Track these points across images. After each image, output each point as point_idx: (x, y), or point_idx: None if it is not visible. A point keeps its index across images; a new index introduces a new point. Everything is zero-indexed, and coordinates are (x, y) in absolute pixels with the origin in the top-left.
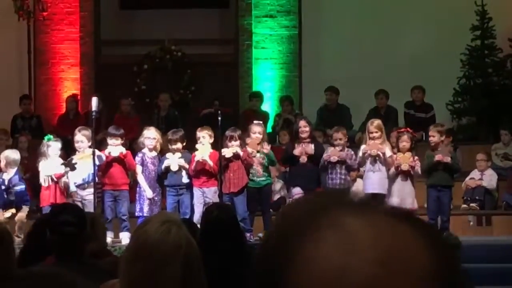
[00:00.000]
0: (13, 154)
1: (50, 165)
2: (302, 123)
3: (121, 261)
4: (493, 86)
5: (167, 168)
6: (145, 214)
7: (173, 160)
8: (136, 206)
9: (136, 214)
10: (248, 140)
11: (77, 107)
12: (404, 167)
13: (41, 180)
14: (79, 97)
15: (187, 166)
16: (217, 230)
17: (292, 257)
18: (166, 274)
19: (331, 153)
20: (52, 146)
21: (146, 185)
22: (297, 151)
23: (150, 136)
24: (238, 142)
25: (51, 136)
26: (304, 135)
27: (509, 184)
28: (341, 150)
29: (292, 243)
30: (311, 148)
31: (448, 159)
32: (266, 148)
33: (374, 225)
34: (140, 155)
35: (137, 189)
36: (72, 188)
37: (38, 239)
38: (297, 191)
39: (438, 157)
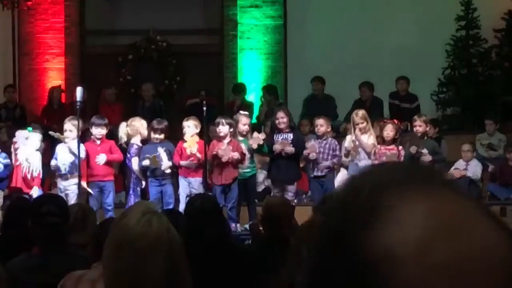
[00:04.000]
0: None
1: (26, 151)
2: (279, 114)
3: (103, 255)
4: (478, 77)
5: (146, 167)
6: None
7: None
8: (130, 197)
9: (129, 204)
10: (250, 141)
11: (61, 98)
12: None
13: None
14: (63, 87)
15: (170, 164)
16: (201, 218)
17: (382, 214)
18: (150, 266)
19: (309, 149)
20: (31, 137)
21: (142, 176)
22: (276, 147)
23: (146, 126)
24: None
25: (31, 128)
26: (281, 126)
27: (498, 174)
28: (324, 138)
29: (386, 201)
30: (289, 140)
31: (414, 149)
32: (259, 141)
33: (461, 207)
34: (136, 146)
35: (132, 179)
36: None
37: (16, 228)
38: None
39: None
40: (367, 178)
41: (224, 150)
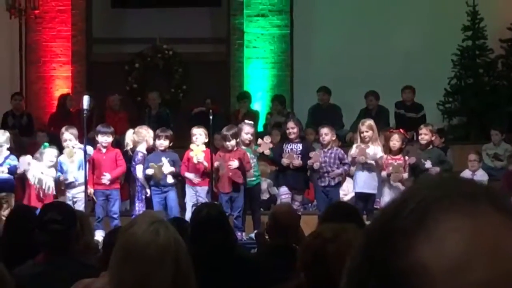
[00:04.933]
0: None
1: (40, 167)
2: (290, 124)
3: (110, 263)
4: (484, 87)
5: (150, 176)
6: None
7: (159, 170)
8: (137, 205)
9: (136, 212)
10: (260, 148)
11: (70, 106)
12: (394, 178)
13: (29, 177)
14: (71, 95)
15: (174, 169)
16: (208, 226)
17: (427, 227)
18: (157, 276)
19: (313, 158)
20: (46, 153)
21: (147, 184)
22: (284, 161)
23: (152, 135)
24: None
25: (47, 144)
26: (291, 136)
27: (502, 184)
28: (329, 148)
29: (432, 214)
30: (298, 150)
31: (413, 160)
32: (269, 145)
33: (507, 227)
34: (141, 154)
35: (137, 187)
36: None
37: (20, 235)
38: (283, 191)
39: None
40: (419, 190)
41: (220, 165)
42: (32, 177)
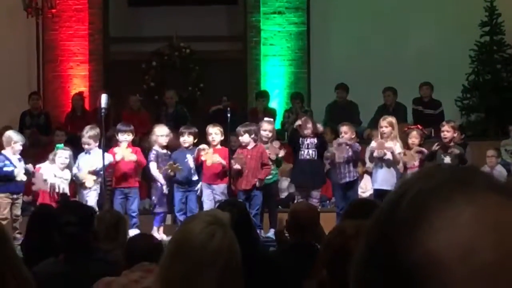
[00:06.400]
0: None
1: (53, 169)
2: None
3: (162, 256)
4: (502, 82)
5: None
6: (164, 210)
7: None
8: (154, 202)
9: (156, 210)
10: (268, 151)
11: (84, 105)
12: (410, 163)
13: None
14: (87, 94)
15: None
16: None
17: (428, 218)
18: (202, 279)
19: (337, 150)
20: (58, 155)
21: (163, 180)
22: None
23: (164, 133)
24: (277, 143)
25: (62, 145)
26: (306, 132)
27: None
28: (347, 145)
29: (432, 205)
30: (314, 145)
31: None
32: (277, 151)
33: (507, 207)
34: (154, 152)
35: (154, 184)
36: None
37: (40, 234)
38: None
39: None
40: (413, 182)
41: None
42: (43, 183)
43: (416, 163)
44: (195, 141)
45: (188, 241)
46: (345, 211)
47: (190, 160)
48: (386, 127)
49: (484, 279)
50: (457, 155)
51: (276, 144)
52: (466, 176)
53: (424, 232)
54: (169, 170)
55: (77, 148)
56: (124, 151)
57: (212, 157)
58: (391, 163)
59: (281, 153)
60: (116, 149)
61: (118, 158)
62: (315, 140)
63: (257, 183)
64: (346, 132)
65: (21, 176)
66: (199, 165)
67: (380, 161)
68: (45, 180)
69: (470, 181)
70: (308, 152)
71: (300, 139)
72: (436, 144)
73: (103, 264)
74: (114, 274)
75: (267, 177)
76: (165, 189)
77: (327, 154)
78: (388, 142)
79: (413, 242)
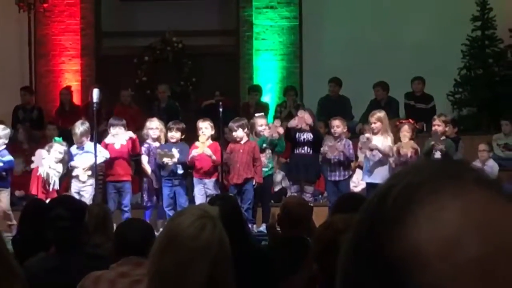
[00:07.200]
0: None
1: (48, 161)
2: (300, 113)
3: (152, 249)
4: (494, 77)
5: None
6: (153, 204)
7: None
8: (144, 196)
9: (145, 204)
10: (268, 131)
11: (71, 99)
12: (405, 151)
13: (39, 169)
14: (79, 88)
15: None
16: (221, 219)
17: (414, 211)
18: (194, 270)
19: (330, 150)
20: (54, 148)
21: (153, 175)
22: (294, 122)
23: (153, 126)
24: (278, 122)
25: (61, 139)
26: (302, 126)
27: None
28: (338, 140)
29: (418, 198)
30: (310, 139)
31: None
32: (279, 130)
33: (494, 203)
34: (146, 145)
35: (144, 179)
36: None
37: (32, 228)
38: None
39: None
40: (400, 177)
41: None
42: (42, 170)
43: (409, 156)
44: (183, 136)
45: (178, 235)
46: (335, 205)
47: (175, 153)
48: (375, 123)
49: (468, 275)
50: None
51: (277, 123)
52: (454, 170)
53: (409, 226)
54: (163, 159)
55: (68, 142)
56: (117, 136)
57: (204, 147)
58: (383, 157)
59: (281, 130)
60: (107, 139)
61: (107, 141)
62: (311, 135)
63: (256, 185)
64: (338, 126)
65: None
66: (192, 163)
67: (371, 155)
68: (44, 159)
69: (458, 175)
70: (303, 147)
71: (297, 134)
72: (431, 141)
73: (94, 259)
74: (104, 269)
75: (264, 169)
76: (155, 183)
77: (324, 149)
78: (375, 139)
79: (398, 235)
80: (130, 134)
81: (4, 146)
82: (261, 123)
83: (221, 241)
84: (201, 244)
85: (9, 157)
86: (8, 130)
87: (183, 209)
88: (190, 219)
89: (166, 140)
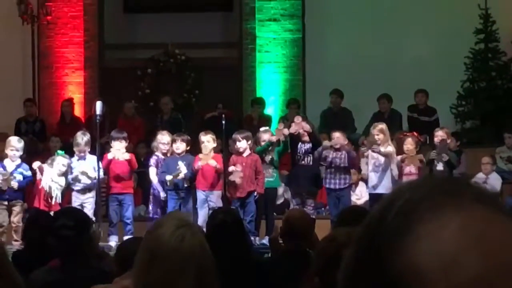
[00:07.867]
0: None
1: (51, 174)
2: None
3: (135, 264)
4: (497, 90)
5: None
6: (158, 216)
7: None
8: (150, 208)
9: (151, 215)
10: (277, 133)
11: (72, 111)
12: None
13: (42, 182)
14: (82, 101)
15: (188, 174)
16: (222, 234)
17: (414, 228)
18: (180, 281)
19: (334, 141)
20: (57, 161)
21: (160, 187)
22: (292, 128)
23: (165, 141)
24: (284, 127)
25: (63, 152)
26: (304, 138)
27: None
28: (338, 150)
29: (418, 215)
30: (309, 150)
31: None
32: (284, 131)
33: (494, 220)
34: (154, 157)
35: (151, 190)
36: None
37: (35, 241)
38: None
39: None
40: (404, 191)
41: (234, 175)
42: (44, 183)
43: (413, 170)
44: (188, 148)
45: (160, 248)
46: (337, 218)
47: (181, 166)
48: (378, 134)
49: None
50: (446, 161)
51: (281, 126)
52: (455, 187)
53: (409, 242)
54: (170, 179)
55: (69, 154)
56: (117, 152)
57: (208, 159)
58: (386, 167)
59: (286, 132)
60: (109, 155)
61: (110, 156)
62: (310, 146)
63: (257, 196)
64: (338, 138)
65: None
66: (195, 173)
67: (375, 166)
68: (45, 182)
69: (458, 192)
70: (304, 159)
71: (298, 145)
72: (433, 151)
73: (96, 272)
74: (108, 282)
75: (269, 179)
76: (162, 195)
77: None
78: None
79: (398, 251)
80: (126, 156)
81: (21, 159)
82: (265, 138)
83: (202, 249)
84: (184, 253)
85: (29, 173)
86: (22, 143)
87: (158, 220)
88: (170, 230)
89: (172, 152)
